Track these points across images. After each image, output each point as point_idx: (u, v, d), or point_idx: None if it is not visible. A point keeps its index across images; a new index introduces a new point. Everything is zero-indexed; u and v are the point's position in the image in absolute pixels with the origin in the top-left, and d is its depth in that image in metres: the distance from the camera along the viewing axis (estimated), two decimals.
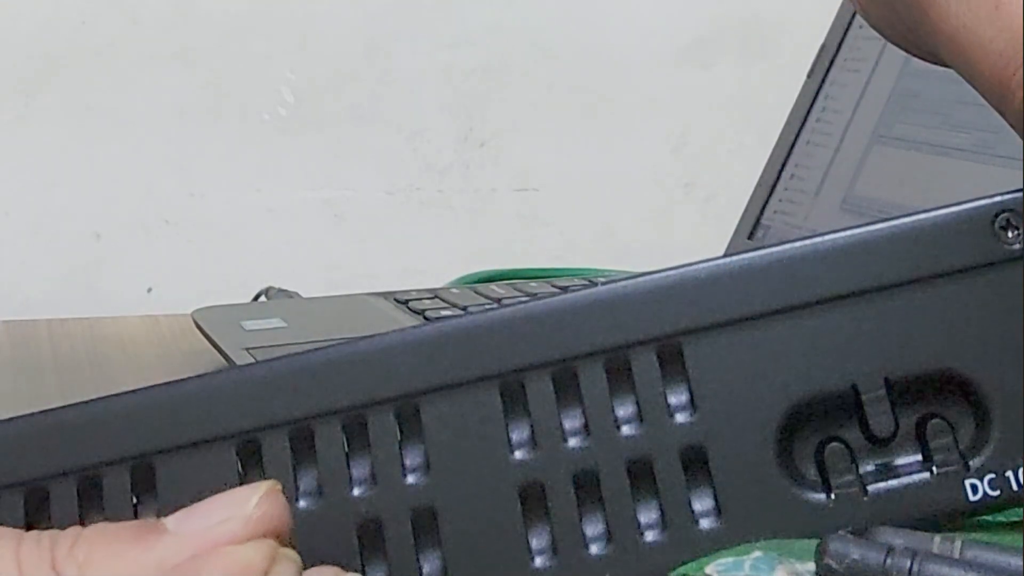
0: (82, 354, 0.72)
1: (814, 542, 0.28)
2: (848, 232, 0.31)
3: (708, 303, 0.31)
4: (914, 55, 0.36)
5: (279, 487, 0.28)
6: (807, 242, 0.31)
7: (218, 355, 0.63)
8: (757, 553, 0.28)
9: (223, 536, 0.27)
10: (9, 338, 0.75)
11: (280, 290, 0.78)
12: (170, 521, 0.27)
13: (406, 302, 0.70)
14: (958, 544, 0.28)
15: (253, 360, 0.59)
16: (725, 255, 0.31)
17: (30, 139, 0.90)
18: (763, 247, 0.31)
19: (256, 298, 0.79)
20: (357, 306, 0.70)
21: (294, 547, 0.27)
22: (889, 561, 0.27)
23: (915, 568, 0.27)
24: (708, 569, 0.28)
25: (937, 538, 0.28)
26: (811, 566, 0.28)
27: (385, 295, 0.72)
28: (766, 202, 0.73)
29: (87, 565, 0.26)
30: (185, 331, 0.71)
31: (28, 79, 0.90)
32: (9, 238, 0.90)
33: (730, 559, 0.28)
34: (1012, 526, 0.32)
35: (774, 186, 0.73)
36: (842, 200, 0.68)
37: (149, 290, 0.92)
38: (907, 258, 0.31)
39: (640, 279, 0.31)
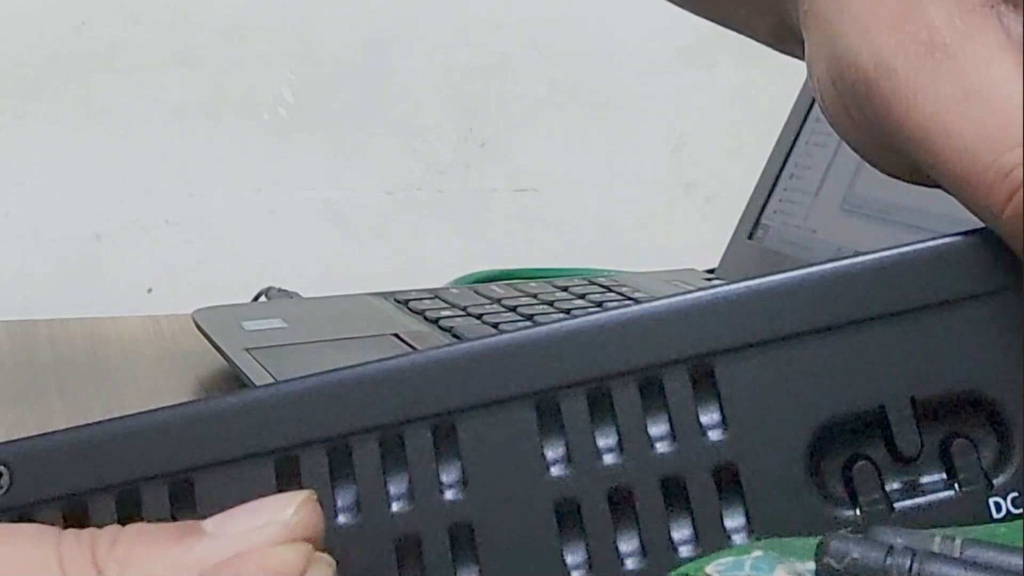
0: (82, 354, 0.72)
1: (814, 541, 0.28)
2: (878, 254, 0.32)
3: (740, 323, 0.31)
4: (886, 172, 0.35)
5: (315, 496, 0.28)
6: (837, 264, 0.32)
7: (218, 355, 0.63)
8: (757, 552, 0.28)
9: (262, 539, 0.27)
10: (9, 338, 0.75)
11: (280, 290, 0.78)
12: (209, 523, 0.28)
13: (406, 302, 0.70)
14: (958, 543, 0.28)
15: (253, 360, 0.59)
16: (756, 276, 0.32)
17: (30, 139, 0.90)
18: (793, 269, 0.32)
19: (256, 298, 0.79)
20: (357, 306, 0.70)
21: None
22: (889, 560, 0.27)
23: (915, 567, 0.27)
24: (708, 569, 0.28)
25: (937, 537, 0.28)
26: (811, 565, 0.28)
27: (385, 295, 0.72)
28: (766, 202, 0.73)
29: (128, 562, 0.27)
30: (185, 331, 0.71)
31: (28, 79, 0.90)
32: (9, 238, 0.90)
33: (730, 559, 0.29)
34: (1012, 526, 0.32)
35: (774, 186, 0.73)
36: (842, 200, 0.68)
37: (149, 290, 0.92)
38: (935, 281, 0.31)
39: (673, 299, 0.32)
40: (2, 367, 0.70)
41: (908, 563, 0.27)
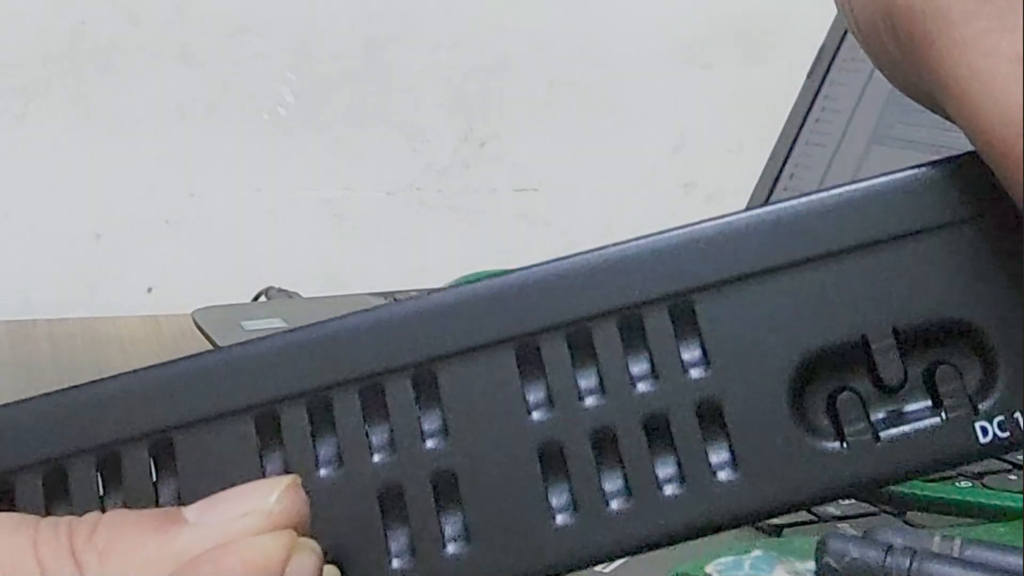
0: (82, 354, 0.72)
1: (813, 540, 0.28)
2: (854, 185, 0.31)
3: (719, 259, 0.31)
4: (916, 100, 0.33)
5: (299, 481, 0.28)
6: (814, 197, 0.32)
7: None
8: (757, 552, 0.29)
9: (244, 529, 0.27)
10: (9, 338, 0.75)
11: (280, 290, 0.79)
12: (191, 511, 0.27)
13: None
14: (957, 543, 0.28)
15: None
16: (733, 212, 0.32)
17: (30, 139, 0.90)
18: (770, 203, 0.31)
19: (256, 298, 0.79)
20: (357, 306, 0.70)
21: (311, 526, 0.27)
22: (889, 559, 0.27)
23: (914, 566, 0.27)
24: (708, 568, 0.29)
25: (937, 537, 0.28)
26: (811, 564, 0.28)
27: (385, 295, 0.72)
28: (766, 202, 0.73)
29: (107, 554, 0.26)
30: (185, 331, 0.71)
31: (28, 79, 0.90)
32: (9, 238, 0.90)
33: (730, 558, 0.29)
34: (1012, 526, 0.32)
35: (774, 186, 0.73)
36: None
37: (149, 290, 0.92)
38: (912, 209, 0.31)
39: (650, 238, 0.32)
40: (2, 367, 0.70)
41: (907, 563, 0.27)
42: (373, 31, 0.95)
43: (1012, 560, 0.28)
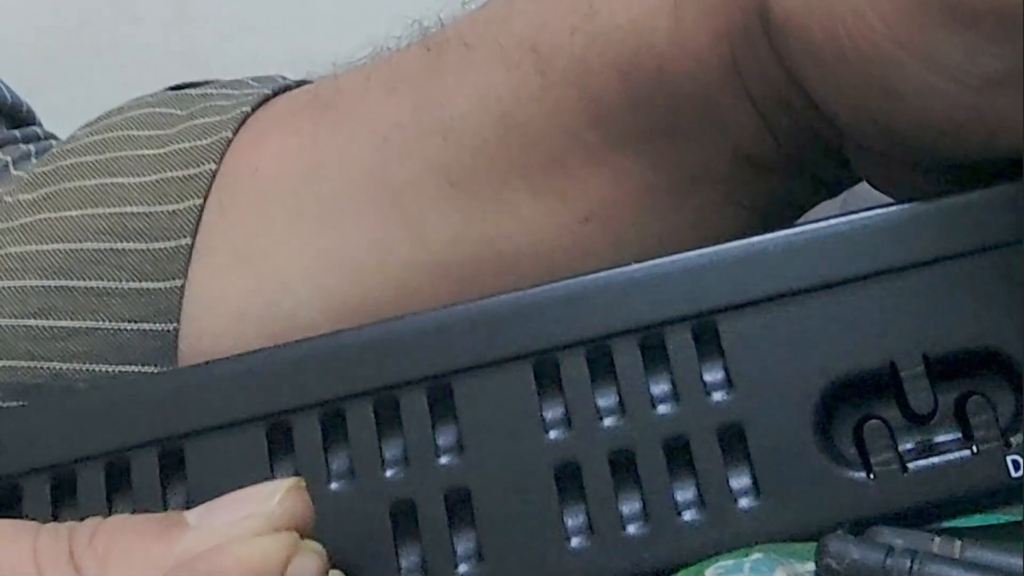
0: None
1: (814, 543, 0.28)
2: (885, 209, 0.31)
3: (743, 280, 0.31)
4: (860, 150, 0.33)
5: (303, 483, 0.28)
6: (843, 219, 0.31)
7: None
8: (757, 555, 0.28)
9: (244, 531, 0.27)
10: None
11: None
12: (192, 516, 0.27)
13: None
14: (958, 544, 0.28)
15: None
16: (759, 232, 0.31)
17: None
18: (798, 225, 0.31)
19: None
20: None
21: (320, 540, 0.27)
22: (889, 561, 0.27)
23: (915, 568, 0.27)
24: (708, 571, 0.28)
25: (937, 538, 0.28)
26: (811, 566, 0.28)
27: None
28: None
29: (106, 558, 0.26)
30: None
31: (28, 79, 0.90)
32: None
33: (730, 561, 0.28)
34: (1012, 527, 0.32)
35: None
36: (842, 200, 0.68)
37: None
38: (946, 234, 0.31)
39: (674, 258, 0.31)
40: None
41: (908, 564, 0.27)
42: (373, 31, 0.95)
43: (1013, 561, 0.28)
